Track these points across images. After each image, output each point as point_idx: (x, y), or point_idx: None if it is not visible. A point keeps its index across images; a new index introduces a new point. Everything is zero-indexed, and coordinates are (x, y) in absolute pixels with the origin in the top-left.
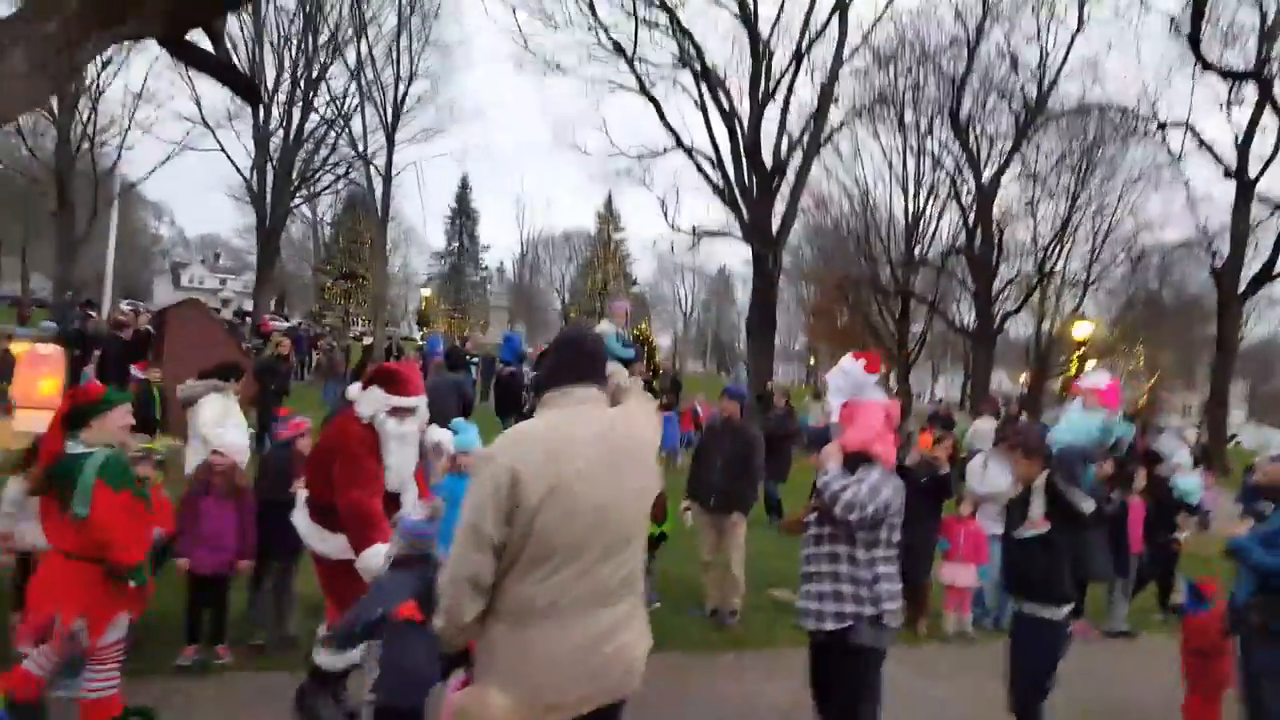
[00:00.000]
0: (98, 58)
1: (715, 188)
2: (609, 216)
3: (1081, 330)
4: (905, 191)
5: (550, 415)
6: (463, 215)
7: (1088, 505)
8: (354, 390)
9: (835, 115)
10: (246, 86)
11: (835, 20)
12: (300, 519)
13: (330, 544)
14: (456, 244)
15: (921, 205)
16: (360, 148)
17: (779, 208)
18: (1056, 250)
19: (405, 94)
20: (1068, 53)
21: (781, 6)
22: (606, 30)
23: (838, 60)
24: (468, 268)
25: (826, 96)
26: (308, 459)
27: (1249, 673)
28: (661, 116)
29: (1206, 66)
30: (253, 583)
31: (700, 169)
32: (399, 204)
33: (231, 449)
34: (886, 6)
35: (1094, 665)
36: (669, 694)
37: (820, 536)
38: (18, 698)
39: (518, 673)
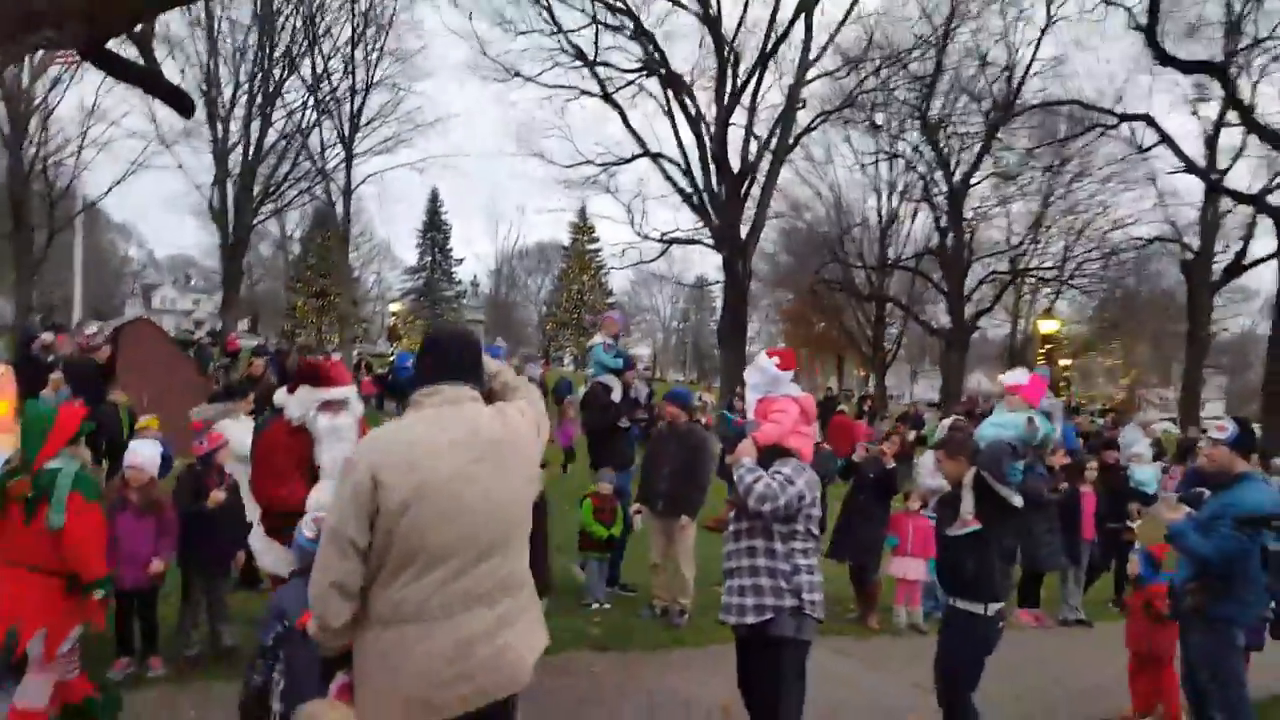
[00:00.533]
0: (43, 75)
1: (683, 194)
2: (583, 227)
3: (1046, 326)
4: (878, 194)
5: (416, 416)
6: (434, 229)
7: (1017, 499)
8: (280, 395)
9: (805, 118)
10: (176, 96)
11: (801, 22)
12: (255, 538)
13: (277, 556)
14: (429, 259)
15: (894, 207)
16: (319, 162)
17: (749, 213)
18: (1030, 249)
19: (361, 106)
20: (1035, 51)
21: (745, 8)
22: (567, 35)
23: (803, 63)
24: (441, 282)
25: (793, 100)
26: (253, 477)
27: (1186, 661)
28: (626, 122)
29: (1165, 61)
30: (184, 595)
31: (667, 175)
32: (370, 220)
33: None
34: (851, 7)
35: (1046, 653)
36: (619, 690)
37: (739, 532)
38: None
39: (390, 676)
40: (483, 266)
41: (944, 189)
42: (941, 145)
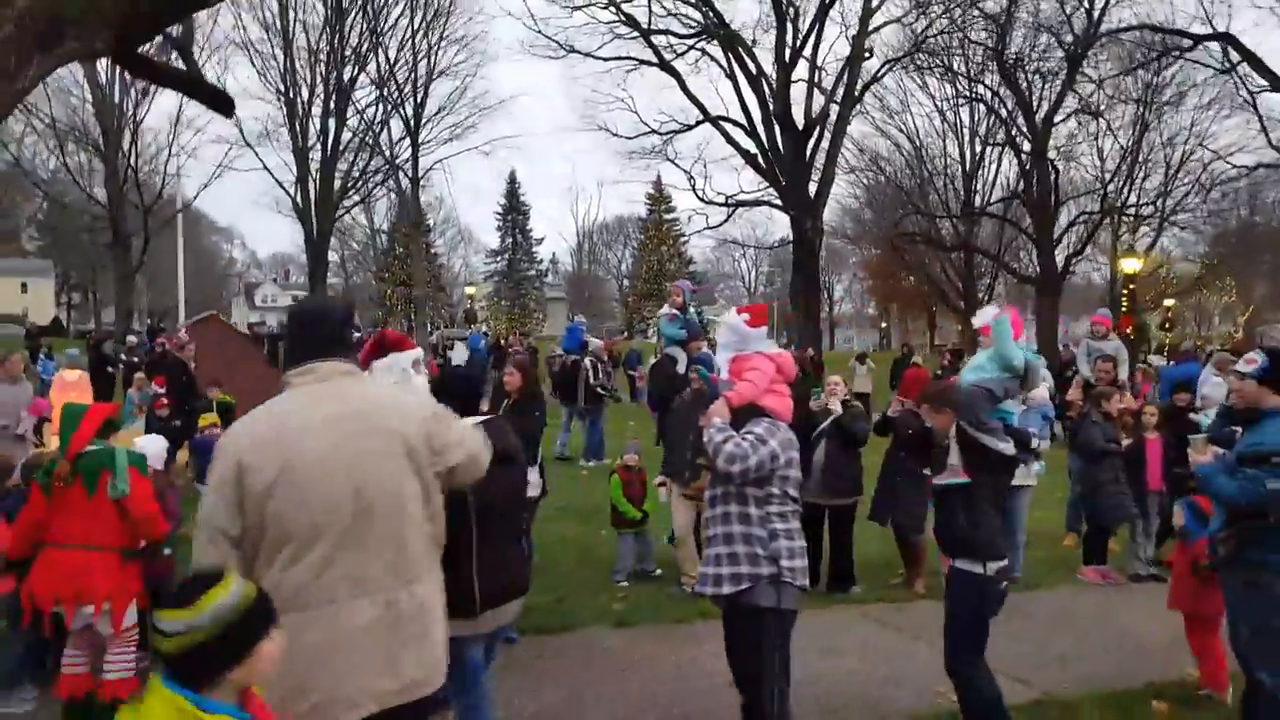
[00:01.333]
0: (133, 88)
1: (746, 155)
2: (659, 197)
3: (1129, 265)
4: (960, 141)
5: (285, 397)
6: (514, 211)
7: (1003, 446)
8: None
9: (874, 67)
10: (217, 98)
11: None
12: None
13: None
14: (510, 240)
15: (978, 154)
16: (389, 155)
17: (819, 171)
18: (1124, 186)
19: (425, 97)
20: None
21: None
22: (619, 5)
23: (867, 11)
24: (523, 263)
25: (858, 50)
26: None
27: (1229, 617)
28: (684, 88)
29: None
30: None
31: (729, 138)
32: (451, 207)
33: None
34: None
35: (1114, 610)
36: (632, 664)
37: (714, 498)
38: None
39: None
40: (564, 245)
41: (1026, 130)
42: (1021, 85)
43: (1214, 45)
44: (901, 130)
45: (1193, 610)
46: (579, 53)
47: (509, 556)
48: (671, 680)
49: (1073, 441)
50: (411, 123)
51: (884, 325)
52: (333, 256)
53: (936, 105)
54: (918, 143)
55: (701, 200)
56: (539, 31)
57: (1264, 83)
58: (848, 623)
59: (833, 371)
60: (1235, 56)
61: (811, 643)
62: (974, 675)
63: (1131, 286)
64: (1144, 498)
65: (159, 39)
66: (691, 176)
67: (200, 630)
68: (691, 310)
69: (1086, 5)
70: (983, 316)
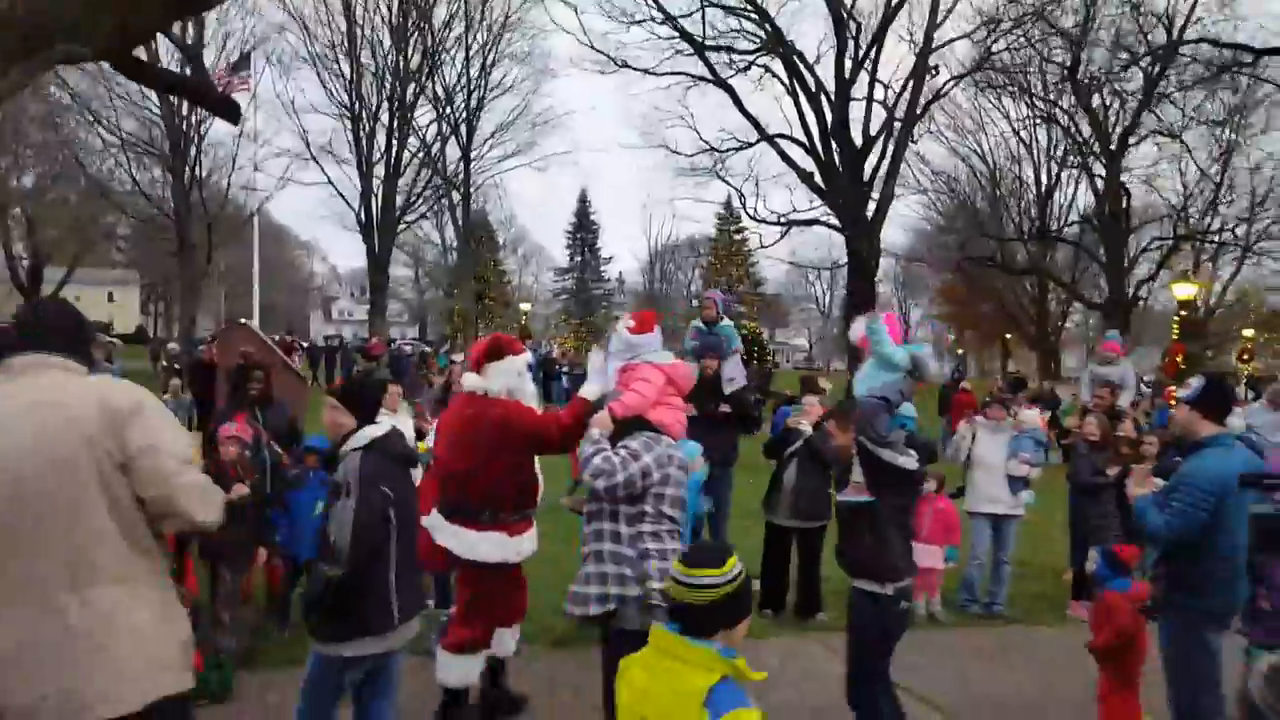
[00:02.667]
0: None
1: (801, 174)
2: (729, 217)
3: (1181, 291)
4: (1034, 162)
5: None
6: (583, 229)
7: (904, 460)
8: (472, 379)
9: (941, 84)
10: (225, 105)
11: None
12: (439, 527)
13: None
14: (579, 258)
15: (1053, 175)
16: (444, 171)
17: (881, 191)
18: (1207, 213)
19: (478, 111)
20: None
21: None
22: (675, 21)
23: (931, 25)
24: (591, 281)
25: (922, 67)
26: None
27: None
28: (739, 106)
29: None
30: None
31: (785, 157)
32: (523, 224)
33: None
34: None
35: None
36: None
37: (590, 514)
38: None
39: None
40: (635, 264)
41: (1100, 152)
42: (1096, 105)
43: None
44: (975, 151)
45: (1112, 666)
46: (631, 68)
47: (416, 568)
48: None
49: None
50: (465, 138)
51: (960, 351)
52: (406, 271)
53: (1011, 125)
54: (991, 164)
55: (753, 219)
56: (591, 46)
57: None
58: (798, 650)
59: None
60: None
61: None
62: (875, 703)
63: (1184, 313)
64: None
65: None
66: (743, 195)
67: (728, 585)
68: (727, 322)
69: (1165, 23)
70: (855, 329)
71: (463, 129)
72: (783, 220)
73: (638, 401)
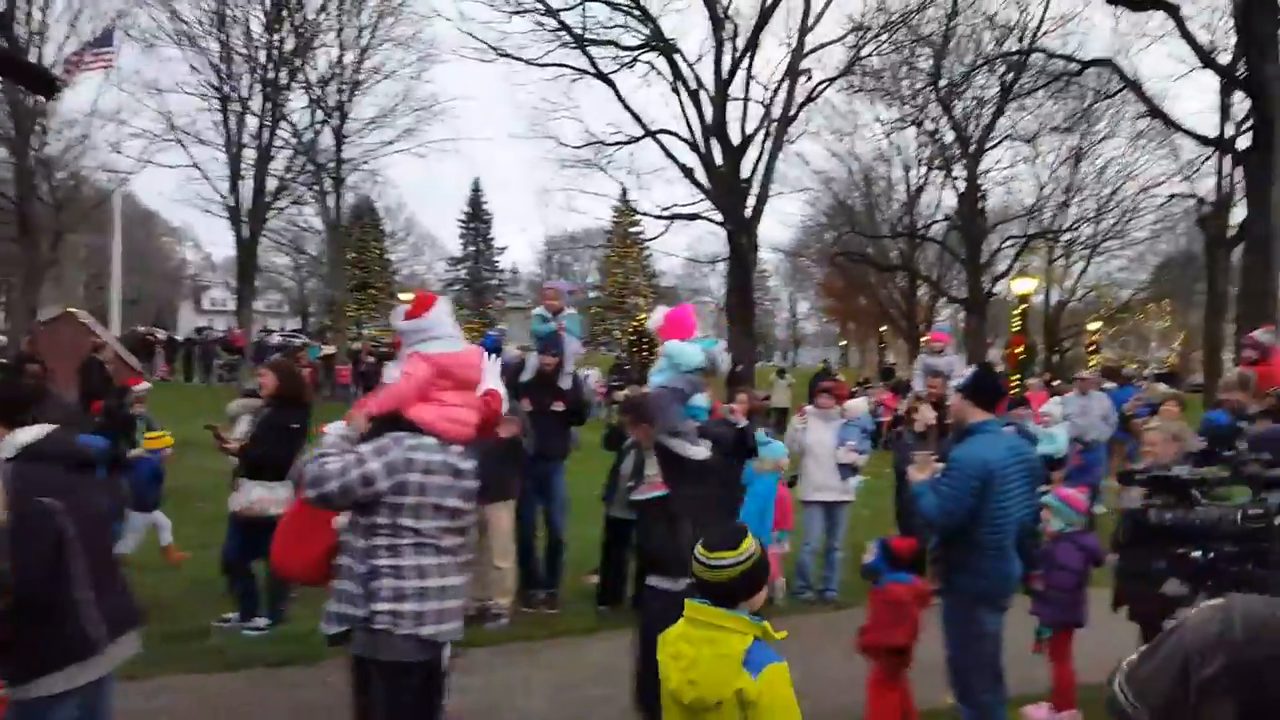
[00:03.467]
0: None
1: (683, 169)
2: (624, 209)
3: (1020, 286)
4: (904, 163)
5: None
6: (476, 219)
7: (694, 451)
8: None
9: (812, 87)
10: (35, 77)
11: None
12: None
13: None
14: (473, 248)
15: (920, 177)
16: (312, 154)
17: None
18: (1058, 213)
19: (351, 100)
20: (1045, 9)
21: None
22: (556, 14)
23: (803, 29)
24: (485, 271)
25: (794, 69)
26: None
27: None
28: (621, 100)
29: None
30: None
31: (668, 152)
32: (413, 212)
33: None
34: None
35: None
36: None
37: (345, 525)
38: None
39: None
40: (532, 255)
41: (960, 156)
42: (955, 110)
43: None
44: (850, 152)
45: (878, 650)
46: (511, 57)
47: (121, 576)
48: None
49: None
50: (337, 123)
51: (843, 344)
52: (288, 260)
53: (883, 128)
54: (865, 165)
55: (636, 213)
56: (469, 34)
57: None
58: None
59: (756, 386)
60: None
61: (584, 673)
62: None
63: (1023, 307)
64: None
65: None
66: (625, 188)
67: (745, 563)
68: (570, 312)
69: (1019, 35)
70: (653, 319)
71: (334, 115)
72: (665, 214)
73: (393, 397)
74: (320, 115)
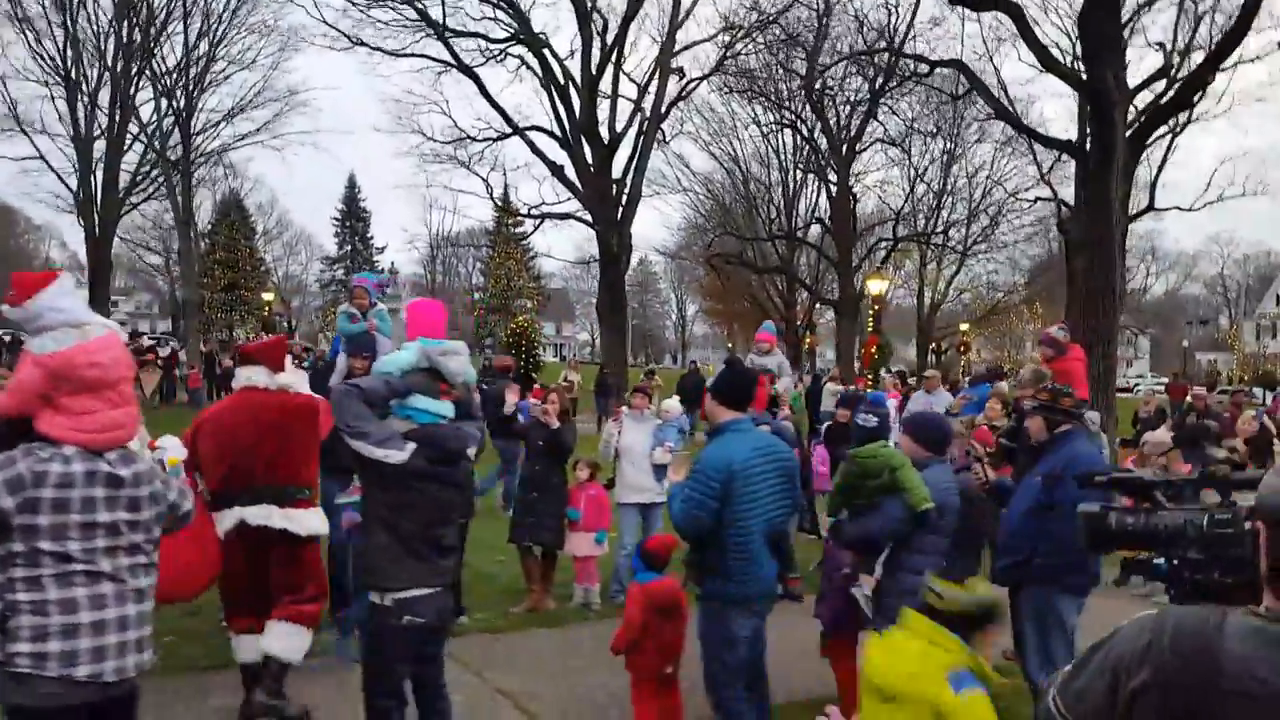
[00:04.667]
0: None
1: (551, 166)
2: (506, 209)
3: (874, 286)
4: (781, 165)
5: None
6: (353, 217)
7: (387, 452)
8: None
9: (682, 85)
10: None
11: None
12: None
13: None
14: (349, 247)
15: (796, 179)
16: (161, 149)
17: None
18: (931, 218)
19: (197, 93)
20: (914, 14)
21: None
22: (413, 2)
23: (672, 27)
24: (362, 271)
25: (664, 67)
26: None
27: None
28: (486, 94)
29: (953, 1)
30: None
31: (534, 148)
32: (286, 210)
33: None
34: None
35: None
36: None
37: None
38: None
39: None
40: (416, 254)
41: (831, 159)
42: (827, 112)
43: (948, 71)
44: (728, 153)
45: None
46: (367, 46)
47: None
48: None
49: None
50: (184, 116)
51: (730, 346)
52: (156, 259)
53: (760, 130)
54: (743, 165)
55: (505, 210)
56: (322, 20)
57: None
58: None
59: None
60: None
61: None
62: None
63: (877, 307)
64: (812, 503)
65: None
66: (490, 185)
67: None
68: (380, 308)
69: (887, 38)
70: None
71: (181, 107)
72: (532, 213)
73: (8, 400)
74: (167, 107)
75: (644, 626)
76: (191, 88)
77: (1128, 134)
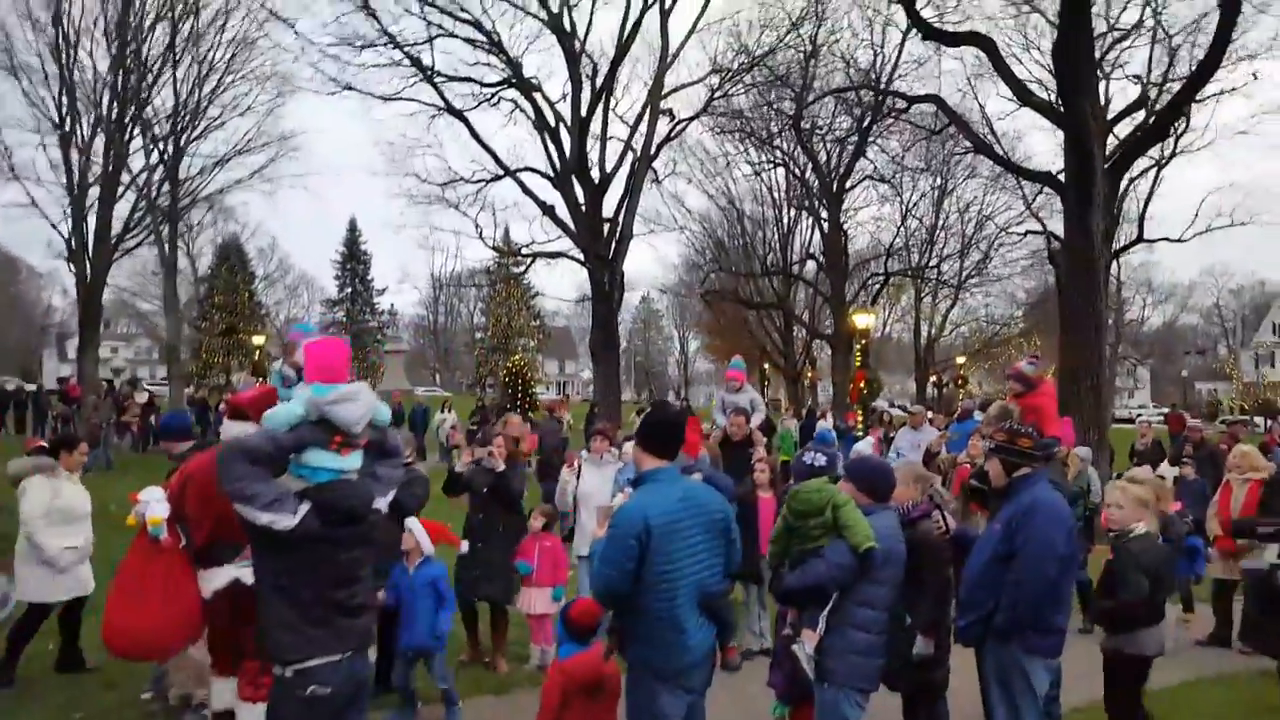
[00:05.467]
0: None
1: (543, 206)
2: (506, 250)
3: (861, 321)
4: (775, 203)
5: None
6: (353, 259)
7: (273, 518)
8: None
9: (670, 126)
10: None
11: (654, 29)
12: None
13: None
14: (350, 290)
15: (790, 217)
16: (150, 196)
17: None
18: (925, 253)
19: (185, 140)
20: (899, 53)
21: (592, 14)
22: (404, 48)
23: (661, 70)
24: (364, 314)
25: (654, 107)
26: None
27: None
28: (476, 137)
29: (929, 34)
30: None
31: (524, 188)
32: (288, 253)
33: None
34: (701, 13)
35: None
36: None
37: None
38: None
39: None
40: (417, 295)
41: (821, 195)
42: (816, 151)
43: (927, 107)
44: (724, 192)
45: None
46: (357, 90)
47: None
48: None
49: None
50: (172, 163)
51: None
52: (153, 305)
53: (754, 168)
54: (737, 203)
55: (494, 249)
56: (313, 65)
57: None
58: None
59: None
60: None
61: None
62: None
63: (864, 342)
64: (755, 562)
65: None
66: (479, 225)
67: None
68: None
69: (872, 78)
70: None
71: (168, 154)
72: (521, 251)
73: None
74: (158, 156)
75: (563, 708)
76: (180, 135)
77: (1107, 165)
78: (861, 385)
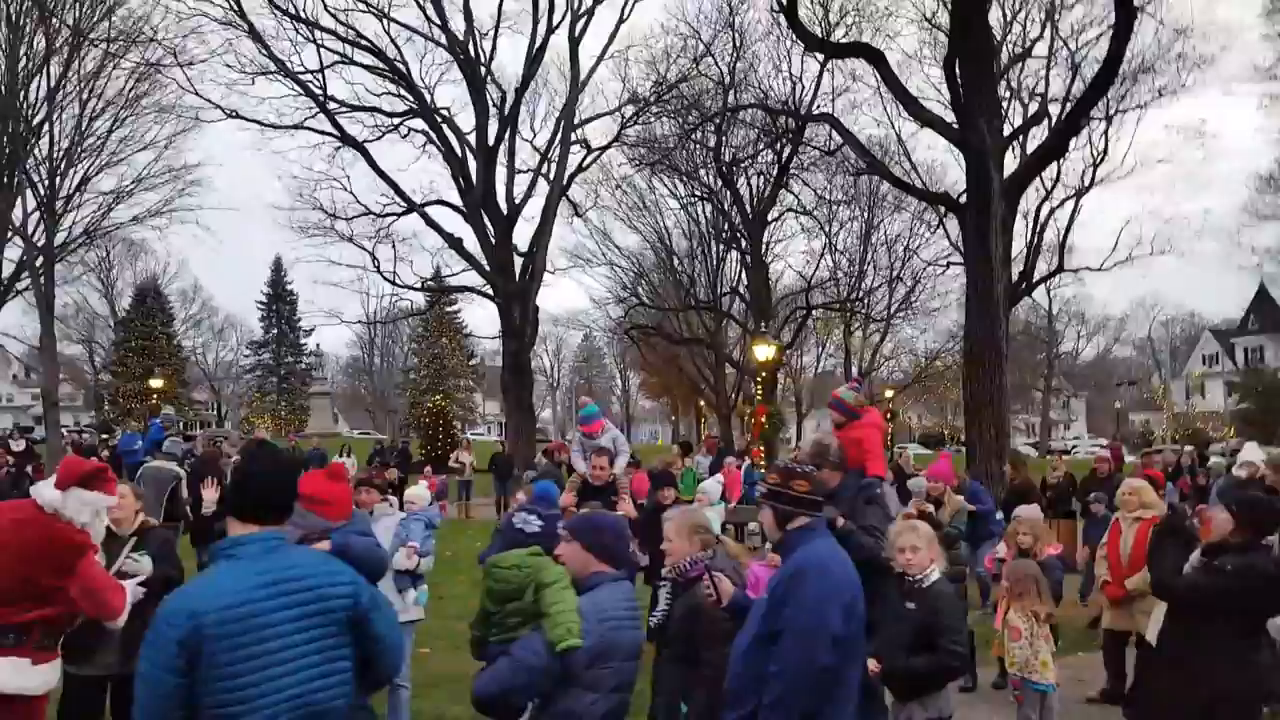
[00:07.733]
0: None
1: (449, 239)
2: (438, 288)
3: (760, 352)
4: (702, 236)
5: None
6: (278, 300)
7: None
8: None
9: (583, 157)
10: None
11: (565, 58)
12: None
13: None
14: (275, 331)
15: (717, 251)
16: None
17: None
18: (854, 285)
19: (63, 179)
20: (818, 84)
21: (494, 42)
22: (294, 75)
23: (570, 100)
24: (289, 356)
25: (566, 139)
26: None
27: None
28: (375, 168)
29: (812, 45)
30: None
31: (429, 221)
32: (210, 295)
33: None
34: (610, 40)
35: None
36: None
37: None
38: None
39: None
40: (351, 335)
41: (743, 228)
42: (738, 183)
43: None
44: (651, 226)
45: None
46: (243, 119)
47: None
48: None
49: None
50: (44, 200)
51: (673, 419)
52: (75, 349)
53: (680, 202)
54: (666, 239)
55: (392, 284)
56: (197, 93)
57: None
58: None
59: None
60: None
61: None
62: None
63: (764, 375)
64: None
65: None
66: (377, 259)
67: None
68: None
69: (790, 109)
70: None
71: (45, 194)
72: (426, 286)
73: None
74: (34, 200)
75: None
76: (55, 175)
77: (1008, 184)
78: (763, 420)
